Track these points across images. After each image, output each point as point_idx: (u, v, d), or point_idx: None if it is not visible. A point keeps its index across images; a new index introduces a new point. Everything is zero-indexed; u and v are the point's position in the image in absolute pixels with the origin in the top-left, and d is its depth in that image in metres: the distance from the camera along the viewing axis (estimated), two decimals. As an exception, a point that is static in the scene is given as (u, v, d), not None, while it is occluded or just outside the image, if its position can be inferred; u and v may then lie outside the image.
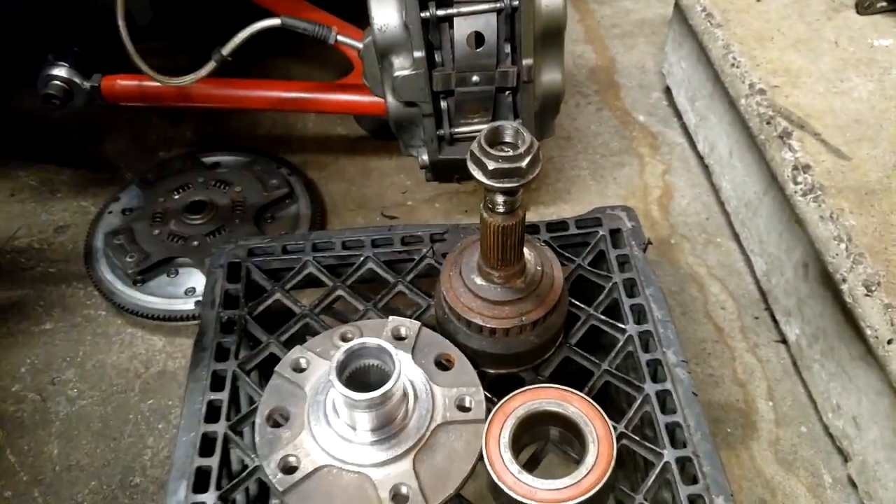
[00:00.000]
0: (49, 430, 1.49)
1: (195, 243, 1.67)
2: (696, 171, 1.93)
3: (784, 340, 1.58)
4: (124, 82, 1.45)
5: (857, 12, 1.65)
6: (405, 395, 0.86)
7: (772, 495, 1.39)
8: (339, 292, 1.07)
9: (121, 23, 1.14)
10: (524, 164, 0.74)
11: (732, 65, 1.61)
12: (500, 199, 0.80)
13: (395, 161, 2.01)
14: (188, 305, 1.56)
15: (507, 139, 0.77)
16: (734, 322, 1.65)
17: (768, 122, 1.48)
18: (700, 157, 1.92)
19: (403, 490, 0.82)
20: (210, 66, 1.20)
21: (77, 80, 1.44)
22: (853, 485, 1.36)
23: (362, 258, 1.09)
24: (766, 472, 1.42)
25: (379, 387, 0.79)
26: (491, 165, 0.74)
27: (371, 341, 0.81)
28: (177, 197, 1.78)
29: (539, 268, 0.94)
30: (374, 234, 1.12)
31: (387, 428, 0.84)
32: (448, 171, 1.27)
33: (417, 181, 1.96)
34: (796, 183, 1.39)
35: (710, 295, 1.70)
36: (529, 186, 1.25)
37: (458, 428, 0.87)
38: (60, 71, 1.43)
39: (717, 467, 0.87)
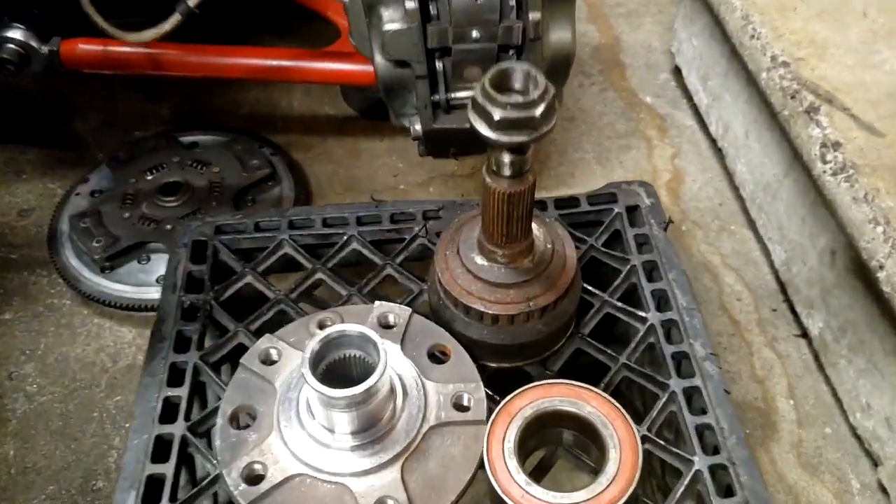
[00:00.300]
0: (4, 429, 1.36)
1: (168, 227, 1.54)
2: (708, 155, 1.81)
3: (805, 334, 1.46)
4: (86, 46, 1.31)
5: (887, -20, 1.53)
6: (392, 391, 0.73)
7: (795, 502, 1.27)
8: (319, 275, 0.94)
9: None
10: (537, 112, 0.61)
11: (752, 36, 1.48)
12: (506, 158, 0.67)
13: (387, 142, 1.89)
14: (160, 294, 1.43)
15: (517, 84, 0.64)
16: (751, 315, 1.53)
17: (793, 97, 1.35)
18: (712, 140, 1.80)
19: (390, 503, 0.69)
20: (174, 18, 1.07)
21: (34, 43, 1.30)
22: (884, 491, 1.24)
23: (346, 237, 0.96)
24: (788, 476, 1.30)
25: (361, 381, 0.66)
26: (497, 115, 0.61)
27: (352, 328, 0.68)
28: (150, 178, 1.65)
29: (549, 245, 0.81)
30: (360, 210, 0.99)
31: (370, 430, 0.71)
32: (444, 144, 1.14)
33: (410, 163, 1.84)
34: (825, 162, 1.27)
35: (725, 286, 1.58)
36: (538, 152, 1.13)
37: (454, 430, 0.74)
38: (16, 33, 1.29)
39: (755, 477, 0.75)
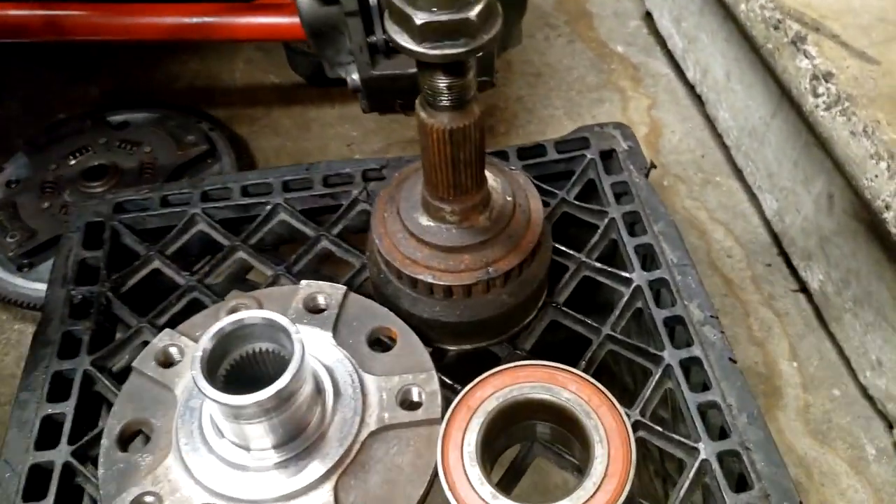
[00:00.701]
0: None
1: (92, 216, 1.36)
2: (687, 104, 1.67)
3: (804, 289, 1.33)
4: (-28, 12, 1.14)
5: None
6: (319, 391, 0.58)
7: (807, 475, 1.15)
8: (240, 254, 0.78)
9: None
10: (472, 14, 0.46)
11: (728, -36, 1.33)
12: (442, 82, 0.52)
13: (338, 109, 1.73)
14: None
15: (446, -17, 0.49)
16: (744, 272, 1.40)
17: (776, 27, 1.21)
18: (690, 87, 1.66)
19: (321, 535, 0.54)
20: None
21: (-89, 11, 1.12)
22: (903, 456, 1.12)
23: (270, 207, 0.80)
24: (797, 446, 1.18)
25: (273, 382, 0.51)
26: (420, 18, 0.46)
27: (254, 315, 0.53)
28: (73, 163, 1.49)
29: (509, 199, 0.66)
30: (287, 174, 0.84)
31: (294, 443, 0.56)
32: (387, 95, 0.98)
33: (365, 131, 1.68)
34: (817, 95, 1.13)
35: (714, 242, 1.45)
36: (487, 89, 0.97)
37: (401, 434, 0.59)
38: None
39: (775, 462, 0.61)
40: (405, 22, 0.47)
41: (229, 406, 0.50)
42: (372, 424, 0.59)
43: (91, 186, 1.43)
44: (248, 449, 0.55)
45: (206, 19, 1.20)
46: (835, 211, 1.20)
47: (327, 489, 0.56)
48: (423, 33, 0.47)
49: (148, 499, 0.55)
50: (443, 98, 0.53)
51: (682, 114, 1.66)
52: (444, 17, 0.46)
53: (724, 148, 1.54)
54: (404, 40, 0.48)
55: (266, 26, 1.22)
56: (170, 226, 0.80)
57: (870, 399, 1.19)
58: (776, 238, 1.40)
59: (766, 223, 1.43)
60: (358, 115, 1.71)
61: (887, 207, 1.01)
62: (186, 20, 1.20)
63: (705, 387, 0.66)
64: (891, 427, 1.16)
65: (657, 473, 0.89)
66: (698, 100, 1.63)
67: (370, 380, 0.61)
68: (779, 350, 1.29)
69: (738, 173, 1.50)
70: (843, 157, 1.09)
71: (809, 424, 1.21)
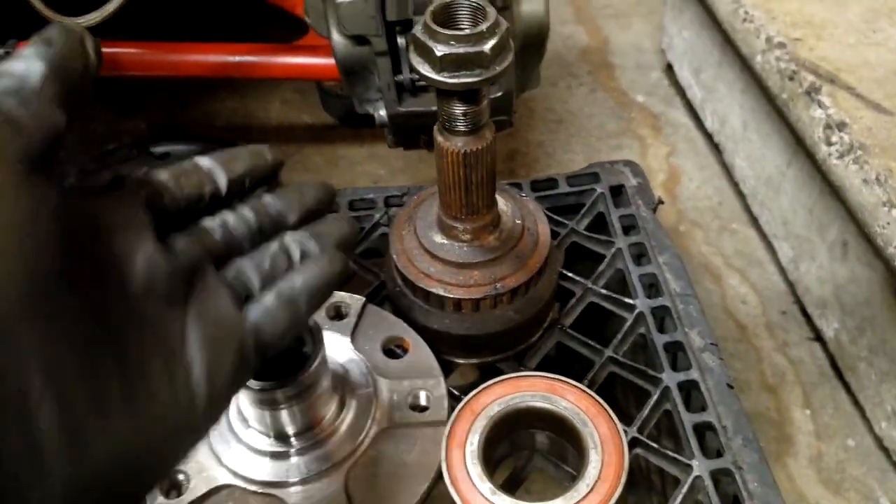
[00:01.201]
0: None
1: (131, 238, 1.44)
2: (705, 152, 1.72)
3: (819, 337, 1.34)
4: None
5: (886, -42, 1.45)
6: (336, 387, 0.62)
7: (817, 523, 1.15)
8: (268, 268, 0.83)
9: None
10: (486, 48, 0.52)
11: (745, 20, 1.39)
12: (458, 109, 0.57)
13: (367, 149, 1.80)
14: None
15: (463, 20, 0.55)
16: (758, 318, 1.41)
17: (791, 78, 1.26)
18: (708, 136, 1.70)
19: (330, 521, 0.58)
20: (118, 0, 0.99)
21: (-15, 46, 1.22)
22: (916, 508, 1.12)
23: (298, 226, 0.86)
24: (808, 495, 1.18)
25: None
26: (441, 50, 0.52)
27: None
28: (116, 190, 1.56)
29: (518, 221, 0.71)
30: (315, 198, 0.89)
31: (311, 433, 0.60)
32: (412, 131, 1.04)
33: (391, 170, 1.75)
34: (830, 144, 1.17)
35: (729, 288, 1.47)
36: (505, 127, 1.02)
37: (409, 433, 0.63)
38: (-36, 35, 1.21)
39: (767, 483, 0.63)
40: (427, 54, 0.53)
41: (259, 391, 0.55)
42: (382, 422, 0.63)
43: (132, 212, 1.51)
44: (266, 435, 0.60)
45: (248, 58, 1.28)
46: (849, 258, 1.22)
47: (338, 478, 0.60)
48: (443, 63, 0.52)
49: (178, 476, 0.59)
50: (458, 123, 0.59)
51: (700, 162, 1.70)
52: (461, 50, 0.52)
53: (741, 196, 1.58)
54: (426, 70, 0.54)
55: (301, 66, 1.30)
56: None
57: (885, 450, 1.19)
58: (791, 286, 1.42)
59: (782, 271, 1.45)
60: (385, 155, 1.79)
61: (897, 254, 1.03)
62: (229, 58, 1.28)
63: (702, 409, 0.69)
64: (904, 478, 1.16)
65: (661, 504, 0.91)
66: (716, 148, 1.67)
67: (383, 382, 0.65)
68: (792, 397, 1.30)
69: (754, 221, 1.53)
70: (855, 204, 1.12)
71: (822, 473, 1.20)
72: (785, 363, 1.35)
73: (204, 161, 0.48)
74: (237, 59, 1.28)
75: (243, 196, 0.48)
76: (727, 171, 1.63)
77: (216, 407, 0.42)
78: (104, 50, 1.30)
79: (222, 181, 0.47)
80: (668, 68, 1.89)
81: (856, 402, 1.24)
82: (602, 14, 2.18)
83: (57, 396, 0.33)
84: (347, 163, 1.76)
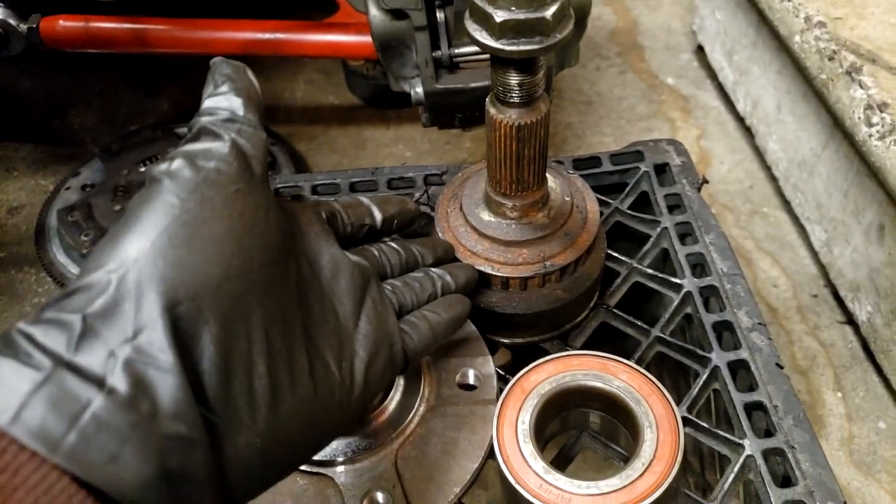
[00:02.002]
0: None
1: (159, 217, 1.44)
2: (736, 136, 1.70)
3: (851, 321, 1.33)
4: (67, 23, 1.23)
5: (929, -65, 1.41)
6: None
7: (850, 505, 1.14)
8: (308, 246, 0.83)
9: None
10: (549, 13, 0.51)
11: (783, -1, 1.37)
12: (514, 79, 0.56)
13: (393, 131, 1.79)
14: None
15: (522, -13, 0.54)
16: (789, 301, 1.40)
17: (831, 59, 1.24)
18: (740, 119, 1.68)
19: (380, 498, 0.58)
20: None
21: (12, 21, 1.22)
22: (950, 492, 1.10)
23: (338, 204, 0.85)
24: (840, 476, 1.17)
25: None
26: (500, 16, 0.50)
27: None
28: (143, 169, 1.57)
29: (567, 199, 0.70)
30: (354, 176, 0.89)
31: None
32: (448, 110, 1.03)
33: (418, 152, 1.74)
34: (871, 125, 1.15)
35: (760, 271, 1.45)
36: (551, 92, 1.01)
37: (458, 412, 0.63)
38: (-7, 11, 1.21)
39: (821, 463, 0.62)
40: (485, 20, 0.52)
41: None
42: (431, 401, 0.62)
43: (159, 191, 1.51)
44: (315, 415, 0.59)
45: (278, 35, 1.27)
46: (886, 242, 1.20)
47: (388, 457, 0.59)
48: (502, 30, 0.51)
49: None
50: (513, 94, 0.57)
51: (732, 145, 1.68)
52: (521, 16, 0.50)
53: (773, 179, 1.56)
54: (483, 37, 0.52)
55: (332, 44, 1.29)
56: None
57: (917, 433, 1.19)
58: (823, 269, 1.40)
59: (814, 254, 1.43)
60: (412, 136, 1.78)
61: (938, 237, 1.02)
62: (260, 36, 1.27)
63: (751, 388, 0.68)
64: (938, 462, 1.14)
65: (697, 486, 0.90)
66: (748, 132, 1.65)
67: (430, 361, 0.65)
68: (823, 380, 1.29)
69: (787, 204, 1.51)
70: (895, 186, 1.10)
71: (853, 455, 1.20)
72: (816, 346, 1.34)
73: (364, 199, 0.60)
74: (267, 36, 1.27)
75: (390, 234, 0.62)
76: (759, 154, 1.61)
77: (367, 396, 0.49)
78: (132, 26, 1.29)
79: (378, 218, 0.60)
80: (699, 50, 1.87)
81: (888, 385, 1.23)
82: (630, -6, 2.15)
83: (267, 356, 0.42)
84: (374, 145, 1.75)
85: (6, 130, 1.85)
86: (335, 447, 0.60)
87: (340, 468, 0.60)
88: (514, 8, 0.50)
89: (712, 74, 1.81)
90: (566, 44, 0.54)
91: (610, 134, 1.73)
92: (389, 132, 1.80)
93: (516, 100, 0.58)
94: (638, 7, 2.12)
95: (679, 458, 0.56)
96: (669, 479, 0.55)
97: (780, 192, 1.54)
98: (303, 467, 0.59)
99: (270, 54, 1.28)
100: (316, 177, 0.89)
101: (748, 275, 1.46)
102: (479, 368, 0.65)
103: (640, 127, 1.74)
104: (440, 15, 0.92)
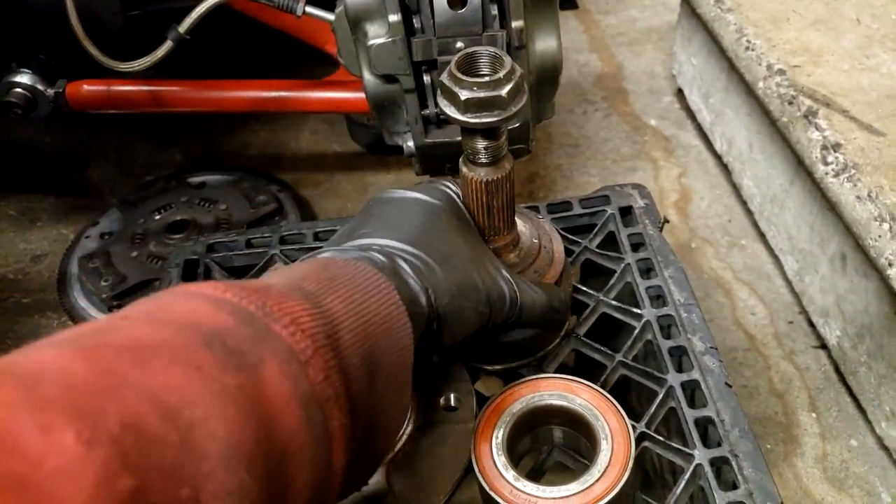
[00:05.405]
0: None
1: (175, 263, 1.54)
2: (715, 172, 1.80)
3: (824, 345, 1.42)
4: (90, 87, 1.35)
5: (880, -13, 1.53)
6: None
7: (824, 520, 1.21)
8: (311, 287, 0.93)
9: (70, 3, 1.04)
10: (504, 92, 0.61)
11: (747, 48, 1.49)
12: (480, 143, 0.67)
13: (394, 175, 1.91)
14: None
15: (483, 68, 0.65)
16: (767, 328, 1.49)
17: (790, 103, 1.35)
18: (718, 157, 1.79)
19: (374, 506, 0.67)
20: (167, 46, 1.10)
21: (40, 86, 1.34)
22: (918, 504, 1.18)
23: (337, 249, 0.96)
24: (814, 492, 1.24)
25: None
26: (464, 95, 0.61)
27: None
28: (158, 217, 1.68)
29: (535, 241, 0.80)
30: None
31: (355, 431, 0.69)
32: (438, 160, 1.14)
33: (415, 195, 1.84)
34: (826, 163, 1.25)
35: (738, 300, 1.54)
36: (522, 157, 1.12)
37: (442, 431, 0.72)
38: (23, 78, 1.33)
39: (761, 469, 0.71)
40: (453, 98, 0.62)
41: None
42: (418, 421, 0.72)
43: (173, 238, 1.61)
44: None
45: (283, 94, 1.39)
46: (847, 270, 1.30)
47: (381, 472, 0.68)
48: (467, 106, 0.62)
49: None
50: (481, 156, 0.68)
51: (711, 182, 1.79)
52: (482, 94, 0.61)
53: (749, 213, 1.65)
54: (452, 112, 0.63)
55: (333, 100, 1.41)
56: (252, 264, 0.96)
57: (885, 449, 1.26)
58: (797, 297, 1.49)
59: (788, 283, 1.52)
60: (411, 181, 1.88)
61: (890, 265, 1.11)
62: (266, 94, 1.39)
63: (703, 405, 0.77)
64: (906, 476, 1.22)
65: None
66: (725, 169, 1.75)
67: (417, 385, 0.74)
68: (798, 402, 1.37)
69: (762, 236, 1.61)
70: (850, 219, 1.20)
71: (827, 472, 1.27)
72: (792, 370, 1.42)
73: None
74: (273, 94, 1.39)
75: None
76: (736, 190, 1.71)
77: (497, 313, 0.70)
78: (150, 88, 1.41)
79: None
80: (679, 93, 1.98)
81: (858, 405, 1.31)
82: (616, 42, 2.28)
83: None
84: (376, 189, 1.86)
85: (30, 183, 1.97)
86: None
87: (340, 482, 0.69)
88: (475, 88, 0.61)
89: (692, 116, 1.92)
90: (526, 108, 0.65)
91: (596, 174, 1.83)
92: (390, 176, 1.91)
93: (484, 160, 0.68)
94: (622, 53, 2.25)
95: (630, 466, 0.65)
96: (622, 484, 0.64)
97: (756, 225, 1.64)
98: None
99: (276, 111, 1.40)
100: (318, 224, 1.00)
101: (728, 304, 1.55)
102: (461, 393, 0.75)
103: (625, 167, 1.85)
104: (427, 78, 1.03)
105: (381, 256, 0.59)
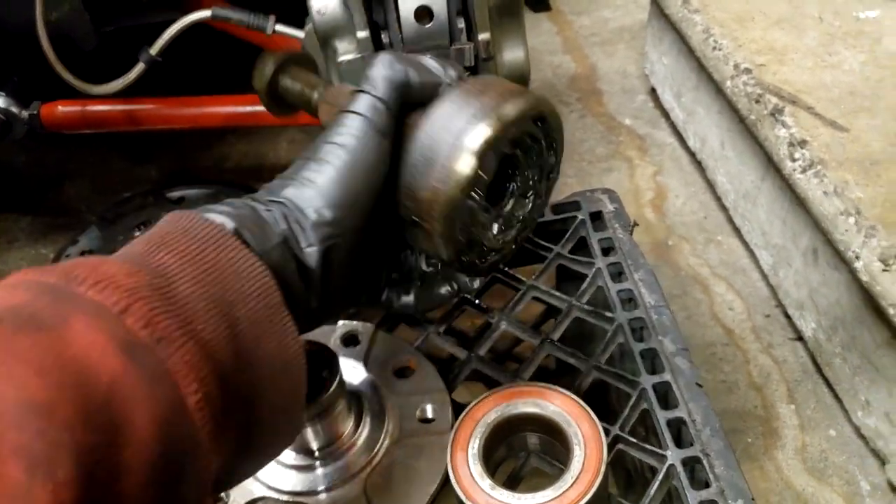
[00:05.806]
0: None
1: (155, 280, 1.55)
2: (689, 170, 1.82)
3: (800, 337, 1.44)
4: (65, 108, 1.35)
5: (841, -16, 1.56)
6: (352, 406, 0.72)
7: (804, 510, 1.23)
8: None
9: (40, 26, 1.05)
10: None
11: (714, 48, 1.51)
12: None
13: (371, 183, 1.91)
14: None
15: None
16: (744, 323, 1.51)
17: (757, 101, 1.37)
18: (692, 154, 1.81)
19: (353, 520, 0.68)
20: (138, 68, 1.10)
21: (14, 109, 1.34)
22: (894, 490, 1.20)
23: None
24: (795, 483, 1.27)
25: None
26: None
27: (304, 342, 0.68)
28: (137, 234, 1.68)
29: (505, 251, 0.81)
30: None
31: (332, 447, 0.70)
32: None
33: (394, 202, 1.85)
34: (793, 160, 1.28)
35: (716, 296, 1.56)
36: None
37: (419, 442, 0.73)
38: (-3, 101, 1.33)
39: (731, 467, 0.73)
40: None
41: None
42: (395, 434, 0.73)
43: (154, 254, 1.62)
44: (297, 452, 0.70)
45: (258, 108, 1.40)
46: (819, 264, 1.32)
47: (358, 486, 0.70)
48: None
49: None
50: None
51: (686, 179, 1.81)
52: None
53: (724, 209, 1.68)
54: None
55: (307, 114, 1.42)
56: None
57: (863, 438, 1.28)
58: (773, 291, 1.52)
59: (764, 277, 1.55)
60: (389, 187, 1.90)
61: (857, 258, 1.13)
62: (241, 109, 1.40)
63: (674, 406, 0.79)
64: (883, 463, 1.24)
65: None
66: (699, 166, 1.78)
67: (393, 399, 0.76)
68: (777, 394, 1.39)
69: (737, 232, 1.63)
70: (819, 214, 1.22)
71: (807, 463, 1.29)
72: (770, 363, 1.44)
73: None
74: (248, 109, 1.39)
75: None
76: (710, 186, 1.74)
77: None
78: (124, 107, 1.42)
79: None
80: (652, 91, 2.00)
81: (835, 395, 1.33)
82: (589, 42, 2.30)
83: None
84: (353, 196, 1.87)
85: (5, 203, 1.96)
86: (312, 479, 0.70)
87: (322, 496, 0.70)
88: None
89: (665, 114, 1.94)
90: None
91: (573, 176, 1.85)
92: (367, 184, 1.92)
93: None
94: (596, 53, 2.27)
95: (603, 471, 0.66)
96: (594, 488, 0.65)
97: (731, 220, 1.66)
98: (284, 497, 0.69)
99: (253, 125, 1.41)
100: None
101: (705, 300, 1.57)
102: (437, 404, 0.76)
103: (601, 168, 1.87)
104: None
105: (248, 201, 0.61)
